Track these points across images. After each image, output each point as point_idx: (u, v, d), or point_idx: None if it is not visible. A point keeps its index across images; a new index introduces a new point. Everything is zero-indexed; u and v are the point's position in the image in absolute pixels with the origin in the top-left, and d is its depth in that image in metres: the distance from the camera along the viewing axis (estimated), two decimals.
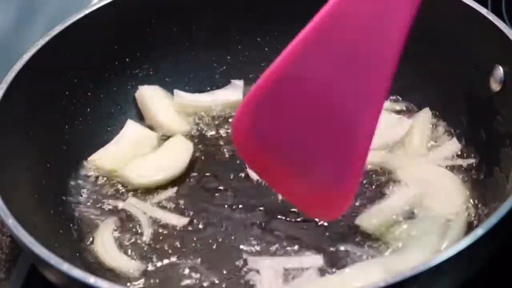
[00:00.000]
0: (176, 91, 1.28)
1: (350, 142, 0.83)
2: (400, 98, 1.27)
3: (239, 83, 1.29)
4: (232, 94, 1.28)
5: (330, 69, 0.79)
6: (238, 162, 1.16)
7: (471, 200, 1.08)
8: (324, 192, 0.92)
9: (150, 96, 1.27)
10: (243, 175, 1.16)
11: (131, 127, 1.25)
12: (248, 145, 0.90)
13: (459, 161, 1.15)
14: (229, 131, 1.24)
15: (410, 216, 1.07)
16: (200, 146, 1.22)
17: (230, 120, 1.26)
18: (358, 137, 0.83)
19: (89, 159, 1.20)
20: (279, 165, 0.91)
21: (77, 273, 0.85)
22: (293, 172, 0.90)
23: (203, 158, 1.21)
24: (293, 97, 0.82)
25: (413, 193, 1.09)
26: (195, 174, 1.18)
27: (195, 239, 1.08)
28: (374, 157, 1.16)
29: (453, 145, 1.16)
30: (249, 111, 0.86)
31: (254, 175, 1.13)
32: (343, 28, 0.76)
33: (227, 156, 1.20)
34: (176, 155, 1.19)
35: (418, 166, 1.14)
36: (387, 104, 1.26)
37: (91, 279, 0.84)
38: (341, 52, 0.77)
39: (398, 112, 1.25)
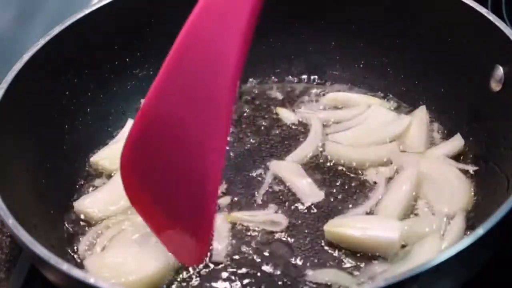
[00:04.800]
0: None
1: (202, 179, 0.88)
2: (400, 97, 1.27)
3: None
4: None
5: (182, 104, 0.86)
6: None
7: (471, 200, 1.09)
8: (186, 235, 0.95)
9: None
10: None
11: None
12: (133, 182, 0.94)
13: (459, 161, 1.15)
14: None
15: (412, 212, 1.08)
16: None
17: None
18: (209, 176, 0.87)
19: (91, 159, 1.21)
20: (155, 206, 0.94)
21: (77, 273, 0.85)
22: (164, 213, 0.94)
23: None
24: (161, 135, 0.88)
25: (414, 189, 1.10)
26: None
27: None
28: (381, 151, 1.17)
29: (454, 143, 1.17)
30: (131, 149, 0.91)
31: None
32: (188, 64, 0.85)
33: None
34: None
35: (423, 162, 1.14)
36: (386, 102, 1.27)
37: (91, 279, 0.84)
38: (188, 87, 0.85)
39: (398, 110, 1.25)
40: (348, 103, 1.28)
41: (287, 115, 1.27)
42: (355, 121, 1.24)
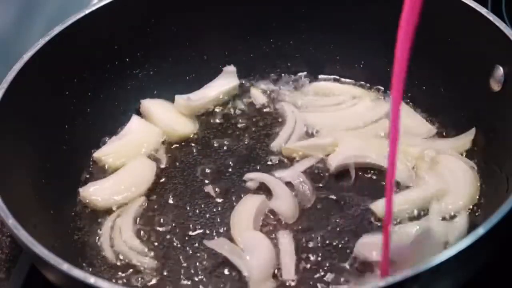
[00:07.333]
0: (176, 96, 1.28)
1: None
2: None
3: (231, 68, 1.31)
4: (227, 82, 1.31)
5: None
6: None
7: (476, 193, 1.09)
8: None
9: (153, 106, 1.27)
10: None
11: (135, 123, 1.25)
12: None
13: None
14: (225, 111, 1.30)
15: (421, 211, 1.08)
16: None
17: (228, 105, 1.30)
18: None
19: (95, 155, 1.21)
20: None
21: (77, 273, 0.85)
22: None
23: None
24: None
25: (431, 188, 1.10)
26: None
27: None
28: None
29: (465, 139, 1.16)
30: None
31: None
32: None
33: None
34: (138, 176, 1.18)
35: (431, 159, 1.14)
36: (372, 92, 1.29)
37: (91, 279, 0.84)
38: None
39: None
40: (333, 93, 1.30)
41: (257, 96, 1.30)
42: (338, 107, 1.27)
